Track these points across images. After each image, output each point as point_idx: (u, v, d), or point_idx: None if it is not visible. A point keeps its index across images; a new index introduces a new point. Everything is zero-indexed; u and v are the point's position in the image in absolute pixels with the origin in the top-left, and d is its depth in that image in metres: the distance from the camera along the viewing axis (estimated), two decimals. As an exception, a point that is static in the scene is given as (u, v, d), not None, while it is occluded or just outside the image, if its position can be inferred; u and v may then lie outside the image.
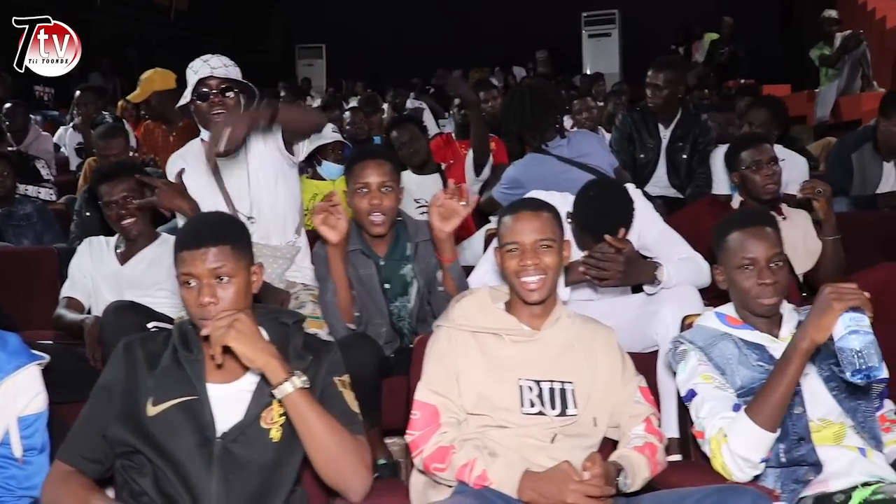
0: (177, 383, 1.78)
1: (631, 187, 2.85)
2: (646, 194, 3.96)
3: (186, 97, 2.87)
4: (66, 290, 3.06)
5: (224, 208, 2.81)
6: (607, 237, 2.51)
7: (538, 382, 2.00)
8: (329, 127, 4.48)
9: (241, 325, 1.70)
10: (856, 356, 1.72)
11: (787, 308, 2.14)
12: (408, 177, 4.14)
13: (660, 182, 4.16)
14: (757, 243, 2.07)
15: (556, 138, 3.54)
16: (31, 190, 4.60)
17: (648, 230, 2.79)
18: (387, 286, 2.72)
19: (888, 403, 2.11)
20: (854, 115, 7.58)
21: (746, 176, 3.22)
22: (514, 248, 2.05)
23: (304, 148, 2.95)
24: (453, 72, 9.10)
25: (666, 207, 3.93)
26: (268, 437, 1.77)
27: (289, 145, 2.87)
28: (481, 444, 1.95)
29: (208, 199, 2.81)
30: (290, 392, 1.71)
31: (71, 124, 6.53)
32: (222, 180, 2.86)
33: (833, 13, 8.25)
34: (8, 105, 5.89)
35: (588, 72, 12.55)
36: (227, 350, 1.71)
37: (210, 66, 2.83)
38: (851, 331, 1.74)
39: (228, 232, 1.83)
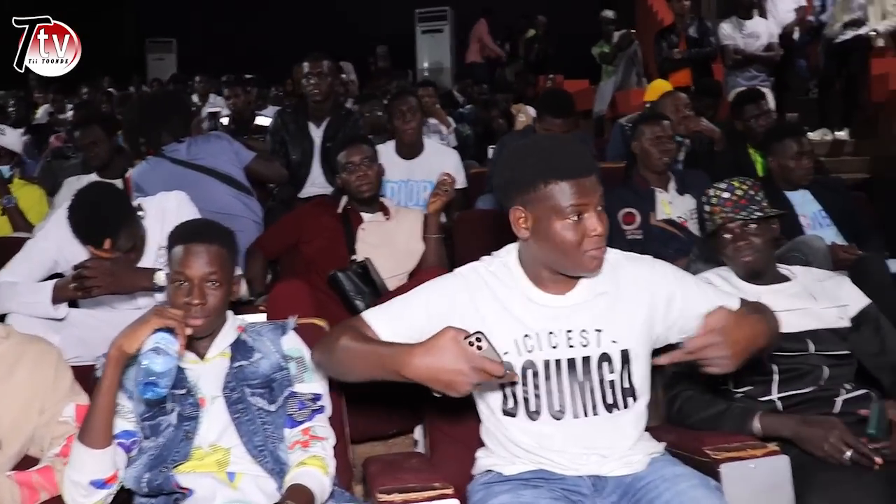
0: None
1: (175, 195, 2.62)
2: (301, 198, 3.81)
3: None
4: None
5: None
6: (91, 247, 2.34)
7: None
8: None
9: None
10: (147, 374, 1.57)
11: (228, 327, 1.92)
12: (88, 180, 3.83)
13: (317, 182, 3.90)
14: (193, 261, 1.83)
15: (173, 143, 3.41)
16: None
17: None
18: None
19: (319, 419, 1.91)
20: (627, 108, 7.48)
21: (343, 177, 3.05)
22: None
23: None
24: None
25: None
26: None
27: None
28: None
29: None
30: None
31: None
32: None
33: (610, 13, 8.20)
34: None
35: (426, 65, 12.40)
36: None
37: None
38: (155, 348, 1.59)
39: None
